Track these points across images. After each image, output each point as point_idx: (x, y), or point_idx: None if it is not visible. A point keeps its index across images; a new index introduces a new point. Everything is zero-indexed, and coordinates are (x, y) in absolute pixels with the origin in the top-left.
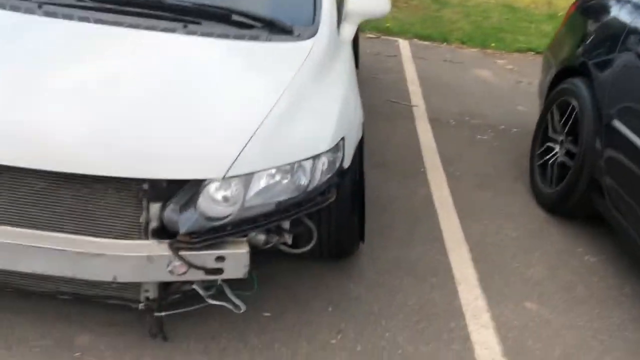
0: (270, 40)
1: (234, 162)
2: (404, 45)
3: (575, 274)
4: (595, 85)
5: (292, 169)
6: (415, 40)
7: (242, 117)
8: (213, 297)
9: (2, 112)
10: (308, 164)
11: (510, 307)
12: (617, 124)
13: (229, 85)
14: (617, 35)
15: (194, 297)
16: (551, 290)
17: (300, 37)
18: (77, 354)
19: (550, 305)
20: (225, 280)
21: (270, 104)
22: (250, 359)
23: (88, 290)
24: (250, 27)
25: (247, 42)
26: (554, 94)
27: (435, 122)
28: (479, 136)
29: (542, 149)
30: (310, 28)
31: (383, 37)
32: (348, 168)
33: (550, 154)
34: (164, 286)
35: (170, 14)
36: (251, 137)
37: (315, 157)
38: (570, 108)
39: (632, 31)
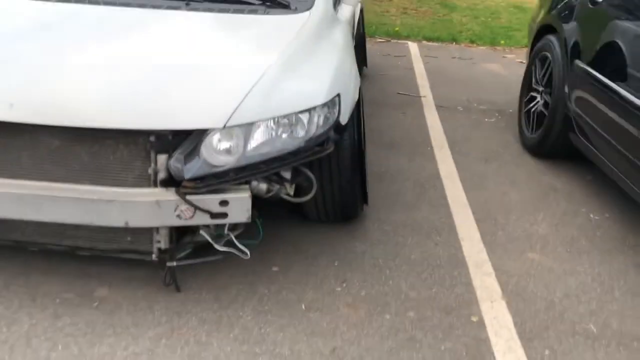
0: (268, 13)
1: (233, 113)
2: (413, 46)
3: (578, 229)
4: (563, 37)
5: (289, 120)
6: (424, 41)
7: (241, 74)
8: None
9: (21, 77)
10: (305, 116)
11: (512, 258)
12: (578, 62)
13: (229, 48)
14: None
15: (204, 251)
16: (554, 243)
17: (297, 10)
18: (96, 303)
19: (553, 256)
20: (232, 231)
21: (268, 62)
22: (259, 305)
23: (104, 245)
24: (248, 3)
25: (247, 15)
26: (535, 50)
27: (443, 109)
28: (486, 119)
29: (527, 98)
30: (306, 3)
31: (392, 40)
32: (346, 125)
33: (533, 103)
34: (175, 237)
35: None
36: (250, 90)
37: (312, 110)
38: (547, 61)
39: None
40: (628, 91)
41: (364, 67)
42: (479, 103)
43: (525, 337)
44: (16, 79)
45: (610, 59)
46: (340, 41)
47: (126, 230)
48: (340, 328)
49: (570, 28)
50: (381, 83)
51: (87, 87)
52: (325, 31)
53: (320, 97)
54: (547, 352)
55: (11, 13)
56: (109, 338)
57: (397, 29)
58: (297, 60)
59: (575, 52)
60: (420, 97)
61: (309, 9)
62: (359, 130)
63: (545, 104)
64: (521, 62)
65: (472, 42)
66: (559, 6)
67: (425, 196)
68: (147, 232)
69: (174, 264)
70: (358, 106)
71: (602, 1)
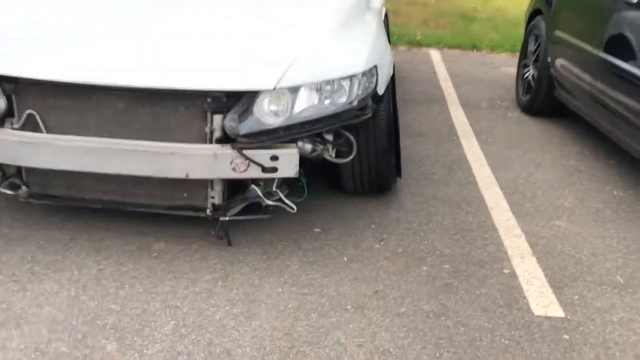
0: None
1: (282, 77)
2: (434, 53)
3: (603, 203)
4: (546, 17)
5: (331, 86)
6: (446, 49)
7: (288, 42)
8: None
9: (89, 44)
10: (346, 83)
11: (540, 225)
12: (557, 32)
13: (277, 20)
14: None
15: (254, 210)
16: (580, 213)
17: None
18: (155, 254)
19: (579, 223)
20: (279, 188)
21: (312, 33)
22: (305, 257)
23: (163, 202)
24: None
25: None
26: (528, 29)
27: (467, 105)
28: (509, 114)
29: (522, 67)
30: None
31: (414, 49)
32: (382, 96)
33: (526, 70)
34: (227, 194)
35: None
36: (296, 58)
37: (352, 77)
38: (536, 38)
39: None
40: (592, 46)
41: None
42: (502, 100)
43: (556, 285)
44: (85, 46)
45: (578, 26)
46: (373, 23)
47: (183, 186)
48: (381, 276)
49: (551, 9)
50: (405, 84)
51: (150, 52)
52: (360, 12)
53: (360, 66)
54: (576, 297)
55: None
56: (170, 281)
57: (418, 38)
58: (338, 34)
59: (554, 25)
60: (444, 95)
61: None
62: (393, 104)
63: (535, 73)
64: None
65: (492, 49)
66: None
67: (454, 175)
68: (202, 189)
69: (227, 218)
70: (392, 82)
71: None
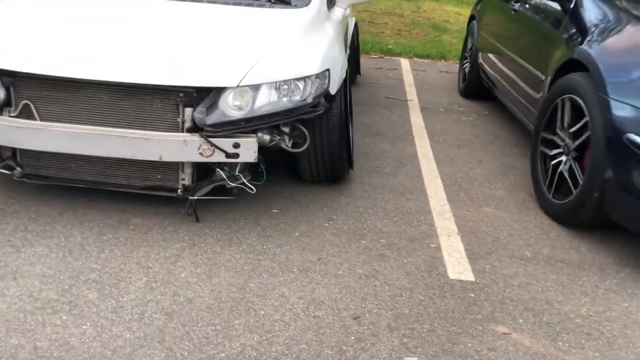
0: (272, 7)
1: (244, 76)
2: (404, 62)
3: (530, 195)
4: (477, 21)
5: (288, 85)
6: (416, 58)
7: (251, 47)
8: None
9: (79, 45)
10: (301, 83)
11: (470, 210)
12: (481, 32)
13: (241, 29)
14: None
15: (220, 192)
16: (507, 202)
17: (296, 6)
18: (132, 227)
19: (505, 210)
20: (242, 173)
21: (273, 40)
22: (262, 232)
23: (139, 182)
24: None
25: (255, 7)
26: (467, 31)
27: (426, 110)
28: (464, 118)
29: (462, 60)
30: (304, 1)
31: (386, 57)
32: (334, 96)
33: (464, 62)
34: (196, 176)
35: None
36: (258, 60)
37: (306, 78)
38: (472, 38)
39: None
40: (503, 46)
41: (357, 75)
42: (460, 106)
43: (473, 257)
44: (76, 47)
45: (490, 28)
46: (330, 33)
47: (158, 169)
48: (325, 247)
49: (480, 15)
50: (372, 89)
51: (132, 53)
52: (318, 24)
53: (314, 69)
54: (488, 266)
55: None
56: (144, 248)
57: (390, 46)
58: (295, 42)
59: (480, 27)
60: (407, 100)
61: (306, 5)
62: (345, 104)
63: (469, 64)
64: None
65: (459, 60)
66: (477, 4)
67: (402, 169)
68: (174, 171)
69: (195, 198)
70: (345, 85)
71: None
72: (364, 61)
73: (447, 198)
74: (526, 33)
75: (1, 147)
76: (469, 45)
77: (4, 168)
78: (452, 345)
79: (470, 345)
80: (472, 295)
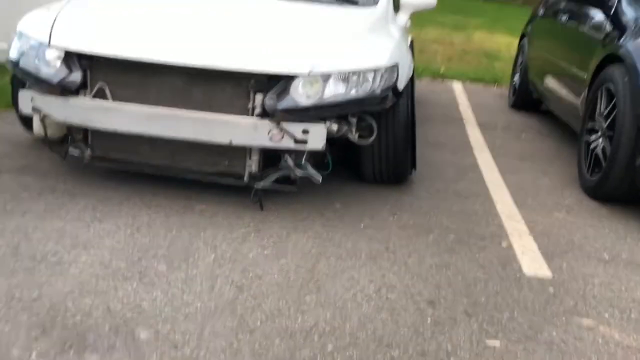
0: (341, 5)
1: (316, 65)
2: (457, 85)
3: (601, 203)
4: (528, 37)
5: (358, 76)
6: (468, 82)
7: (322, 37)
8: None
9: (154, 29)
10: (370, 75)
11: (540, 215)
12: (531, 49)
13: (314, 20)
14: None
15: (285, 183)
16: (579, 209)
17: (364, 5)
18: (197, 212)
19: (577, 216)
20: (308, 162)
21: (341, 33)
22: (327, 222)
23: (207, 168)
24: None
25: (325, 5)
26: (518, 48)
27: (483, 126)
28: (523, 135)
29: (512, 75)
30: (372, 2)
31: (438, 80)
32: (402, 92)
33: (514, 78)
34: (263, 164)
35: None
36: (330, 51)
37: (376, 70)
38: (522, 54)
39: None
40: (550, 55)
41: None
42: (518, 125)
43: (548, 256)
44: (150, 31)
45: (542, 41)
46: (397, 34)
47: (226, 155)
48: (392, 238)
49: (530, 32)
50: (426, 107)
51: (206, 39)
52: (385, 23)
53: (384, 61)
54: (565, 265)
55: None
56: (211, 229)
57: (442, 71)
58: (364, 35)
59: (530, 43)
60: (463, 118)
61: (374, 5)
62: (411, 102)
63: (519, 78)
64: None
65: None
66: (528, 24)
67: (465, 176)
68: (242, 158)
69: (261, 185)
70: (411, 85)
71: (543, 13)
72: (417, 84)
73: (514, 203)
74: (571, 40)
75: (73, 129)
76: (519, 61)
77: (75, 149)
78: (535, 333)
79: (554, 334)
80: (551, 289)
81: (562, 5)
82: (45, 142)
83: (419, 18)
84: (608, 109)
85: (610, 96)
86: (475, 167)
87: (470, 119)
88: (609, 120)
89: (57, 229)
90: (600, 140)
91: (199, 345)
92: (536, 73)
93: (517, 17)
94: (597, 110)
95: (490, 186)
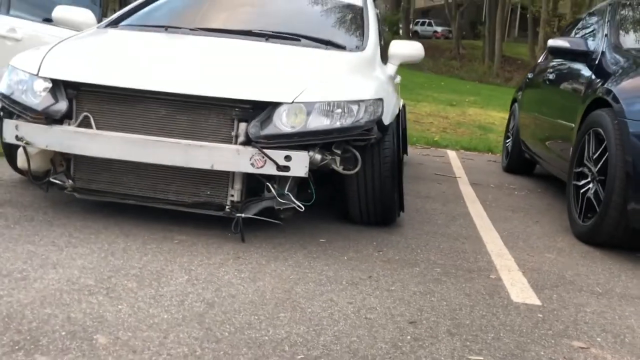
0: (330, 49)
1: (300, 94)
2: (451, 152)
3: (594, 247)
4: (518, 99)
5: (342, 106)
6: (462, 150)
7: (308, 69)
8: (282, 207)
9: (149, 64)
10: (354, 106)
11: (531, 255)
12: (521, 112)
13: (301, 58)
14: None
15: (267, 214)
16: (570, 251)
17: (351, 50)
18: (176, 241)
19: (568, 257)
20: (291, 192)
21: (327, 69)
22: (309, 254)
23: (189, 198)
24: (314, 40)
25: (311, 48)
26: (510, 112)
27: (476, 185)
28: (516, 192)
29: (505, 137)
30: (359, 48)
31: (432, 148)
32: (387, 127)
33: (507, 140)
34: (245, 194)
35: (257, 36)
36: (315, 82)
37: (360, 102)
38: (513, 118)
39: None
40: (540, 113)
41: (404, 155)
42: (510, 184)
43: (538, 288)
44: (136, 62)
45: (532, 104)
46: (383, 76)
47: (207, 185)
48: (376, 269)
49: (520, 97)
50: (419, 168)
51: (191, 68)
52: (372, 67)
53: (368, 94)
54: (555, 296)
55: (140, 37)
56: (188, 255)
57: (436, 139)
58: (351, 73)
59: (521, 107)
60: (456, 177)
61: (361, 50)
62: (398, 141)
63: (511, 141)
64: None
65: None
66: (518, 90)
67: (455, 222)
68: (223, 187)
69: (243, 215)
70: (397, 124)
71: (532, 77)
72: (410, 150)
73: (505, 245)
74: (558, 96)
75: (56, 160)
76: (511, 125)
77: (58, 179)
78: (521, 352)
79: (542, 353)
80: (540, 315)
81: (549, 67)
82: (28, 174)
83: (414, 93)
84: (598, 152)
85: (599, 140)
86: (466, 215)
87: (463, 178)
88: (599, 164)
89: (28, 251)
90: (591, 185)
91: (159, 352)
92: (527, 132)
93: (510, 96)
94: (586, 154)
95: (481, 230)
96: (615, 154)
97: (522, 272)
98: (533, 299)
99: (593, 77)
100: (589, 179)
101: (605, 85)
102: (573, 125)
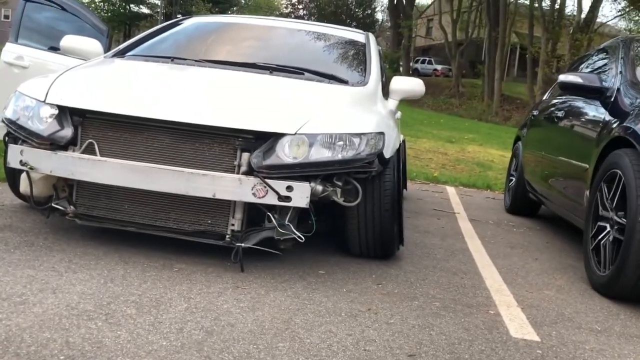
0: (332, 83)
1: (302, 126)
2: (450, 188)
3: (594, 287)
4: (522, 138)
5: (344, 139)
6: (461, 187)
7: (311, 102)
8: (283, 237)
9: (154, 93)
10: (356, 139)
11: (530, 291)
12: (525, 151)
13: (304, 91)
14: None
15: (268, 245)
16: (569, 289)
17: (353, 85)
18: (176, 270)
19: (568, 295)
20: (291, 222)
21: (329, 102)
22: (308, 285)
23: (189, 227)
24: (317, 74)
25: (315, 82)
26: (512, 151)
27: (475, 221)
28: (515, 229)
29: (509, 176)
30: (361, 82)
31: (431, 184)
32: (388, 160)
33: (510, 180)
34: (246, 224)
35: (262, 69)
36: (318, 115)
37: (362, 135)
38: (517, 157)
39: None
40: (547, 152)
41: (404, 189)
42: (509, 221)
43: (537, 325)
44: (142, 92)
45: (538, 142)
46: (384, 110)
47: (208, 213)
48: (375, 302)
49: (525, 135)
50: (418, 204)
51: (196, 99)
52: (374, 101)
53: (369, 128)
54: (554, 332)
55: (146, 67)
56: (187, 284)
57: (435, 174)
58: (353, 106)
59: (525, 145)
60: (455, 213)
61: (363, 85)
62: (398, 175)
63: (515, 181)
64: None
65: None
66: (522, 127)
67: (454, 257)
68: (224, 216)
69: (243, 245)
70: (398, 155)
71: (537, 114)
72: (409, 185)
73: (503, 281)
74: (569, 134)
75: (58, 186)
76: (514, 165)
77: (60, 205)
78: None
79: None
80: (539, 351)
81: (556, 104)
82: (30, 200)
83: (414, 130)
84: (617, 197)
85: (618, 183)
86: (465, 250)
87: (462, 214)
88: (618, 209)
89: (28, 276)
90: (611, 232)
91: None
92: (532, 172)
93: (509, 134)
94: (604, 199)
95: (480, 265)
96: (636, 197)
97: (521, 308)
98: (532, 335)
99: (608, 115)
100: (608, 226)
101: (624, 124)
102: (587, 165)
